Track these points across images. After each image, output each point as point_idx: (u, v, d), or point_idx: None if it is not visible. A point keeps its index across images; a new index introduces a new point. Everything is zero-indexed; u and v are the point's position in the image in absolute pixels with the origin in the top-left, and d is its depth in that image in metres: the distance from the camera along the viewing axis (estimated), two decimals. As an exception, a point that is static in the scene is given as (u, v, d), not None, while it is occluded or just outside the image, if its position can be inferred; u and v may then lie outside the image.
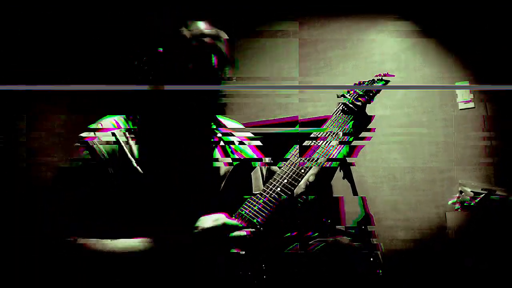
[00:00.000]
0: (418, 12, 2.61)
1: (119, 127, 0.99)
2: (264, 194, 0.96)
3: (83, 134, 0.98)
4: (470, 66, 2.43)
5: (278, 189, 0.96)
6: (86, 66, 2.72)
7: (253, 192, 1.01)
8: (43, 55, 2.48)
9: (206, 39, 1.00)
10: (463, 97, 2.40)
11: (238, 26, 3.13)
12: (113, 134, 0.98)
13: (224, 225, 0.86)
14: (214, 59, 0.99)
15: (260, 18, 3.11)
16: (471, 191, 2.15)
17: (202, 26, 1.02)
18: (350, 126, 1.15)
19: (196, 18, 1.06)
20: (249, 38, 3.12)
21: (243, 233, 0.86)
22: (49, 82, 2.46)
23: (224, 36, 1.04)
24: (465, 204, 2.13)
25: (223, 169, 1.06)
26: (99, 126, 0.99)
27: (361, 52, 2.78)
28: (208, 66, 0.98)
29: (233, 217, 0.92)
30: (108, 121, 1.01)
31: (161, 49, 1.03)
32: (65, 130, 2.47)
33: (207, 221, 0.87)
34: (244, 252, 0.85)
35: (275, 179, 0.99)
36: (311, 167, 1.05)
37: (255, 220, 0.92)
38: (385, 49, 2.70)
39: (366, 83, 1.28)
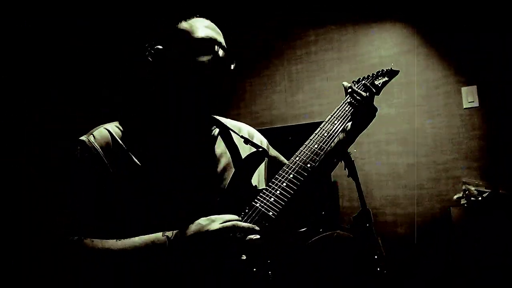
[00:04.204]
0: (420, 15, 2.61)
1: (112, 135, 0.96)
2: (269, 189, 0.95)
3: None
4: (473, 68, 2.43)
5: (284, 184, 0.95)
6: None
7: (258, 188, 1.00)
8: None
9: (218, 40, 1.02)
10: (468, 99, 2.41)
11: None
12: (109, 132, 0.97)
13: (235, 227, 0.81)
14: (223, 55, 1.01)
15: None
16: (475, 190, 2.15)
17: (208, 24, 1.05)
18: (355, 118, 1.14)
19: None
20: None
21: (257, 236, 0.81)
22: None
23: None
24: (471, 199, 2.13)
25: (222, 164, 1.05)
26: (91, 138, 0.95)
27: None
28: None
29: (242, 214, 0.89)
30: (101, 130, 0.98)
31: (160, 46, 1.02)
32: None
33: (216, 223, 0.81)
34: (245, 257, 0.79)
35: (280, 174, 0.98)
36: (319, 162, 1.03)
37: (270, 213, 0.89)
38: (384, 52, 2.70)
39: (370, 76, 1.27)
